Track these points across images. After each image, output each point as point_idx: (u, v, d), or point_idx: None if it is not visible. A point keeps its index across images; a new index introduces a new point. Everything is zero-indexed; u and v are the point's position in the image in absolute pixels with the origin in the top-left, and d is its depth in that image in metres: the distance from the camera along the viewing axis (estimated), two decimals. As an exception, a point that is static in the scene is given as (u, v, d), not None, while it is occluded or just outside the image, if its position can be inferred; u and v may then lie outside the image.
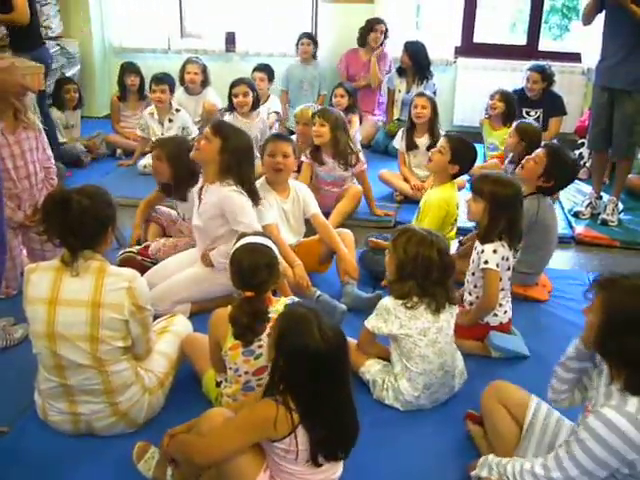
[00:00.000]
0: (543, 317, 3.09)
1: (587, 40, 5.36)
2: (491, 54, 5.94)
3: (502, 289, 2.69)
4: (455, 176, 3.37)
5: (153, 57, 6.25)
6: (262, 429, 1.71)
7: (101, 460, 2.11)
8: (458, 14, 5.93)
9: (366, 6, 5.78)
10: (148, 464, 2.03)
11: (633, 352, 1.64)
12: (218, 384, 2.26)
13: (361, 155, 4.03)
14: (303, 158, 3.97)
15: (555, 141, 4.53)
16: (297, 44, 5.75)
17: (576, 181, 4.10)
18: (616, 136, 4.07)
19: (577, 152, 5.05)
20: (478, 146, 3.82)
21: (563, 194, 4.40)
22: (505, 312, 2.75)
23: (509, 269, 2.69)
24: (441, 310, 2.30)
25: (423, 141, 4.36)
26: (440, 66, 5.83)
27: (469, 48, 6.06)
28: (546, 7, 6.04)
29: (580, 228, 4.09)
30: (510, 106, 4.68)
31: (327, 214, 3.64)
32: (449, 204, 3.30)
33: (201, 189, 2.95)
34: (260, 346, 2.10)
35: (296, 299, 2.32)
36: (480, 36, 6.10)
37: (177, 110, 4.87)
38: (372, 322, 2.36)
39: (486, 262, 2.60)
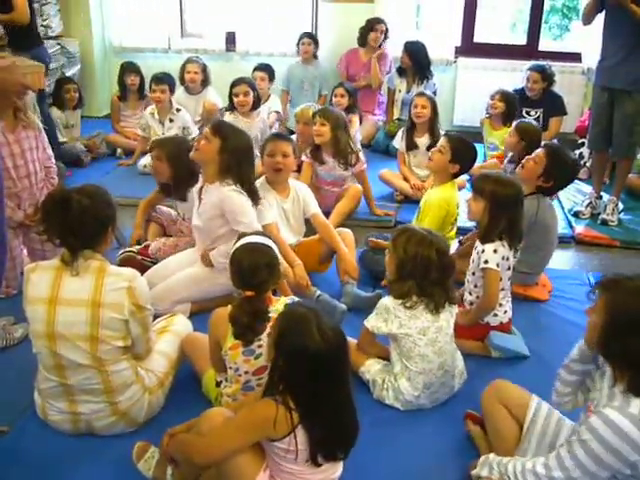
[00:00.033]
0: (543, 317, 3.09)
1: (587, 40, 5.36)
2: (491, 54, 5.94)
3: (502, 289, 2.69)
4: (455, 176, 3.37)
5: (153, 57, 6.25)
6: (262, 429, 1.71)
7: (101, 460, 2.11)
8: (458, 14, 5.92)
9: (366, 6, 5.78)
10: (148, 464, 2.03)
11: (636, 353, 1.64)
12: (218, 384, 2.26)
13: (361, 155, 4.03)
14: (303, 158, 3.97)
15: (555, 141, 4.54)
16: (298, 44, 5.75)
17: (576, 181, 4.10)
18: (616, 136, 4.07)
19: (577, 152, 5.05)
20: (478, 146, 3.82)
21: (563, 194, 4.40)
22: (505, 312, 2.75)
23: (509, 269, 2.69)
24: (440, 310, 2.30)
25: (423, 141, 4.36)
26: (440, 66, 5.83)
27: (469, 48, 6.05)
28: (546, 7, 6.04)
29: (580, 228, 4.09)
30: (510, 106, 4.68)
31: (327, 214, 3.64)
32: (449, 204, 3.30)
33: (201, 189, 2.95)
34: (260, 346, 2.10)
35: (296, 299, 2.32)
36: (480, 36, 6.10)
37: (178, 110, 4.87)
38: (372, 322, 2.36)
39: (486, 262, 2.60)
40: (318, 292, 2.98)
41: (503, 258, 2.62)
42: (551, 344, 2.81)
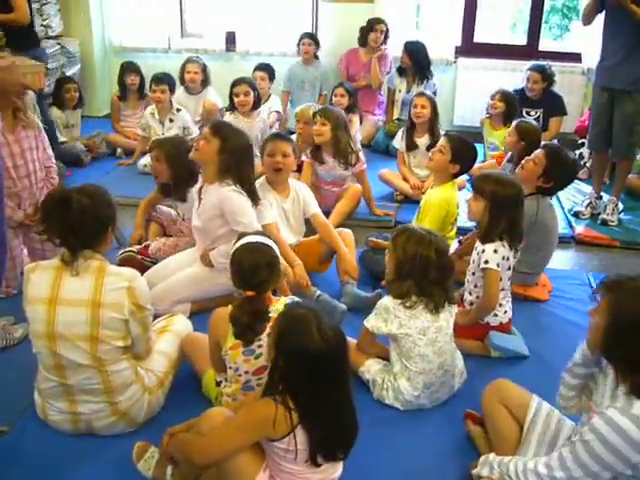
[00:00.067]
0: (543, 317, 3.09)
1: (587, 40, 5.36)
2: (491, 54, 5.94)
3: (502, 289, 2.69)
4: (455, 176, 3.37)
5: (153, 56, 6.25)
6: (261, 428, 1.71)
7: (101, 460, 2.11)
8: (458, 14, 5.91)
9: (366, 6, 5.78)
10: (148, 464, 2.03)
11: (639, 355, 1.64)
12: (218, 384, 2.26)
13: (361, 155, 4.03)
14: (304, 157, 3.97)
15: (555, 141, 4.54)
16: (298, 44, 5.75)
17: (576, 181, 4.10)
18: (616, 136, 4.07)
19: (577, 152, 5.05)
20: (478, 146, 3.82)
21: (563, 194, 4.40)
22: (505, 312, 2.75)
23: (509, 269, 2.69)
24: (440, 310, 2.31)
25: (423, 141, 4.36)
26: (440, 66, 5.83)
27: (469, 48, 6.05)
28: (546, 7, 6.04)
29: (580, 228, 4.09)
30: (511, 106, 4.69)
31: (327, 213, 3.64)
32: (449, 204, 3.30)
33: (200, 189, 2.95)
34: (260, 346, 2.10)
35: (296, 299, 2.32)
36: (480, 36, 6.10)
37: (178, 110, 4.87)
38: (371, 322, 2.36)
39: (486, 262, 2.60)
40: (318, 292, 2.98)
41: (503, 258, 2.62)
42: (551, 344, 2.82)
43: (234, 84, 4.66)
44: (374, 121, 5.70)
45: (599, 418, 1.64)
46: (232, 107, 4.71)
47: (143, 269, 2.89)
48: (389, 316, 2.30)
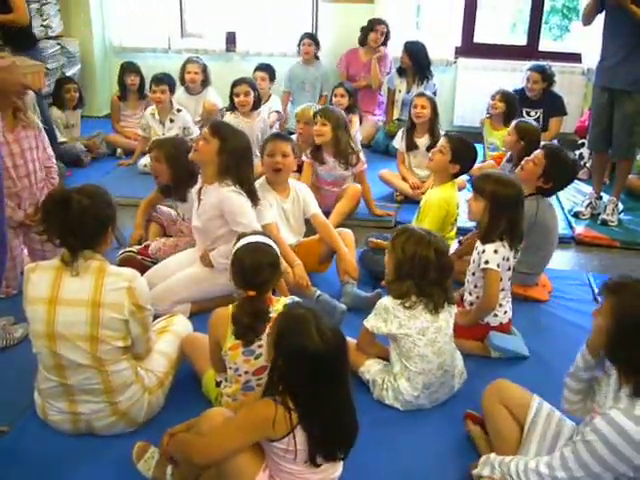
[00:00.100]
0: (543, 317, 3.09)
1: (587, 40, 5.36)
2: (491, 54, 5.94)
3: (502, 289, 2.69)
4: (455, 176, 3.37)
5: (153, 57, 6.25)
6: (261, 429, 1.71)
7: (101, 460, 2.11)
8: (458, 14, 5.92)
9: (366, 6, 5.78)
10: (148, 464, 2.03)
11: None
12: (218, 384, 2.26)
13: (361, 155, 4.03)
14: (304, 158, 3.97)
15: (555, 141, 4.54)
16: (299, 45, 5.75)
17: (576, 181, 4.11)
18: (616, 136, 4.07)
19: (577, 152, 5.05)
20: (478, 146, 3.82)
21: (563, 194, 4.40)
22: (505, 312, 2.75)
23: (509, 269, 2.69)
24: (439, 310, 2.31)
25: (423, 141, 4.36)
26: (440, 66, 5.83)
27: (469, 48, 6.05)
28: (546, 7, 6.04)
29: (580, 228, 4.09)
30: (511, 106, 4.69)
31: (327, 214, 3.64)
32: (449, 204, 3.30)
33: (200, 190, 2.95)
34: (260, 346, 2.10)
35: (296, 299, 2.32)
36: (480, 36, 6.10)
37: (178, 110, 4.86)
38: (371, 322, 2.36)
39: (487, 262, 2.60)
40: (318, 292, 2.98)
41: (503, 259, 2.62)
42: (551, 344, 2.82)
43: (234, 84, 4.66)
44: (374, 121, 5.70)
45: (601, 419, 1.64)
46: (232, 107, 4.71)
47: (143, 269, 2.89)
48: (389, 316, 2.30)
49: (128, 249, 3.27)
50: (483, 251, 2.62)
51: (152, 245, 3.29)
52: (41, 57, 4.73)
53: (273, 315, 2.05)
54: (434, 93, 5.02)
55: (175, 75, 5.18)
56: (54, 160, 3.25)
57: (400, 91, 5.49)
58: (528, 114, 4.94)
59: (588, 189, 4.53)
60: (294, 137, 4.09)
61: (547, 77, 4.90)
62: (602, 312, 1.72)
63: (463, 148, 3.31)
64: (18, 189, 3.00)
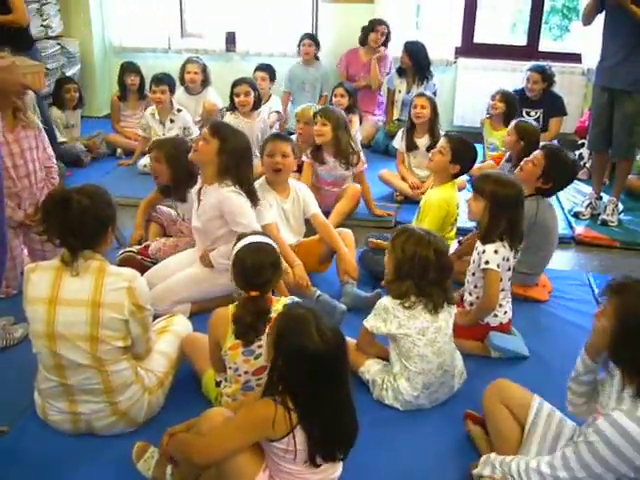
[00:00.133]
0: (543, 317, 3.09)
1: (587, 40, 5.36)
2: (491, 54, 5.94)
3: (502, 289, 2.69)
4: (455, 176, 3.37)
5: (153, 57, 6.26)
6: (261, 429, 1.70)
7: (101, 460, 2.11)
8: (458, 14, 5.92)
9: (366, 6, 5.78)
10: (147, 464, 2.03)
11: None
12: (218, 384, 2.26)
13: (361, 155, 4.03)
14: (304, 158, 3.97)
15: (555, 142, 4.54)
16: (299, 45, 5.75)
17: (576, 182, 4.11)
18: (616, 136, 4.07)
19: (577, 152, 5.05)
20: (478, 146, 3.82)
21: (563, 195, 4.41)
22: (505, 312, 2.75)
23: (510, 270, 2.69)
24: (439, 310, 2.31)
25: (423, 141, 4.36)
26: (440, 66, 5.83)
27: (469, 48, 6.05)
28: (546, 7, 6.04)
29: (580, 228, 4.09)
30: (511, 106, 4.69)
31: (327, 214, 3.64)
32: (449, 204, 3.30)
33: (199, 190, 2.95)
34: (260, 346, 2.10)
35: (296, 299, 2.32)
36: (480, 36, 6.10)
37: (179, 110, 4.86)
38: (371, 322, 2.36)
39: (487, 262, 2.60)
40: (318, 292, 2.98)
41: (504, 259, 2.62)
42: (551, 344, 2.82)
43: (235, 84, 4.66)
44: (374, 121, 5.70)
45: (604, 420, 1.64)
46: (232, 107, 4.71)
47: (143, 269, 2.89)
48: (388, 316, 2.30)
49: (128, 249, 3.27)
50: (483, 251, 2.62)
51: (152, 245, 3.29)
52: (38, 58, 4.72)
53: (273, 315, 2.05)
54: (434, 93, 5.02)
55: (175, 75, 5.18)
56: (54, 160, 3.25)
57: (400, 91, 5.49)
58: (528, 114, 4.94)
59: (588, 189, 4.53)
60: (294, 137, 4.09)
61: (547, 77, 4.90)
62: (605, 313, 1.71)
63: (463, 148, 3.31)
64: (18, 189, 3.00)
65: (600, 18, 3.98)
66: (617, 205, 4.23)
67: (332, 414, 1.72)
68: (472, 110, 5.68)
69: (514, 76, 5.42)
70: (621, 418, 1.61)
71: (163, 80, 4.81)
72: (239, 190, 2.83)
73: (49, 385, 2.10)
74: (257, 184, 3.09)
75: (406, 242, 2.29)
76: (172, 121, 4.83)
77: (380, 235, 3.49)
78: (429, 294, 2.28)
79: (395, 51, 5.65)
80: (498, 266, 2.60)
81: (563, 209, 4.37)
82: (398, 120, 5.45)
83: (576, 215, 4.28)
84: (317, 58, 5.81)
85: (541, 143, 3.49)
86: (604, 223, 4.15)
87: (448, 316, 2.36)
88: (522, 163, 3.16)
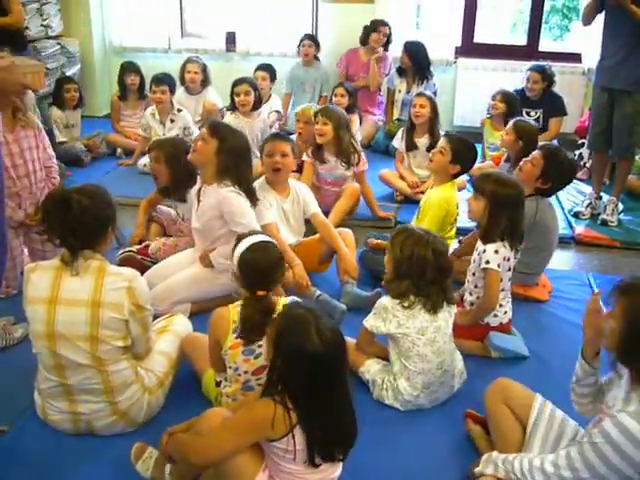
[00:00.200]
0: (543, 317, 3.09)
1: (587, 40, 5.37)
2: (491, 54, 5.94)
3: (502, 289, 2.69)
4: (455, 176, 3.37)
5: (153, 57, 6.26)
6: (260, 429, 1.70)
7: (101, 460, 2.10)
8: (458, 14, 5.92)
9: (366, 6, 5.78)
10: (146, 464, 2.03)
11: None
12: (218, 384, 2.26)
13: (363, 155, 4.03)
14: (305, 157, 3.97)
15: (555, 141, 4.54)
16: (299, 46, 5.75)
17: (576, 181, 4.11)
18: (616, 136, 4.07)
19: (577, 152, 5.05)
20: (477, 146, 3.82)
21: (563, 195, 4.41)
22: (505, 312, 2.75)
23: (510, 270, 2.69)
24: (438, 310, 2.30)
25: (423, 141, 4.36)
26: (440, 66, 5.84)
27: (469, 48, 6.06)
28: (546, 7, 6.04)
29: (580, 228, 4.09)
30: (512, 107, 4.69)
31: (327, 213, 3.64)
32: (449, 204, 3.30)
33: (199, 191, 2.95)
34: (260, 345, 2.10)
35: (296, 299, 2.32)
36: (480, 36, 6.11)
37: (179, 110, 4.86)
38: (370, 321, 2.36)
39: (487, 262, 2.60)
40: (318, 292, 2.98)
41: (504, 259, 2.62)
42: (551, 344, 2.82)
43: (235, 84, 4.66)
44: (374, 121, 5.70)
45: (610, 421, 1.63)
46: (233, 107, 4.71)
47: (143, 269, 2.89)
48: (388, 316, 2.30)
49: (128, 249, 3.27)
50: (484, 251, 2.62)
51: (152, 245, 3.29)
52: (34, 59, 4.74)
53: (273, 315, 2.05)
54: (434, 93, 5.01)
55: (175, 75, 5.18)
56: (55, 160, 3.25)
57: (400, 91, 5.49)
58: (528, 114, 4.94)
59: (588, 189, 4.53)
60: (293, 137, 4.09)
61: (547, 77, 4.90)
62: (614, 315, 1.70)
63: (463, 148, 3.30)
64: (18, 189, 3.00)
65: (600, 18, 3.98)
66: (617, 205, 4.23)
67: (332, 414, 1.72)
68: (472, 110, 5.68)
69: (514, 76, 5.43)
70: (627, 420, 1.60)
71: (163, 80, 4.81)
72: (238, 190, 2.83)
73: (49, 385, 2.10)
74: (257, 184, 3.09)
75: (405, 242, 2.29)
76: (172, 121, 4.83)
77: (380, 235, 3.49)
78: (428, 294, 2.28)
79: (395, 51, 5.65)
80: (499, 266, 2.60)
81: (563, 209, 4.37)
82: (398, 120, 5.45)
83: (576, 215, 4.28)
84: (317, 59, 5.81)
85: (540, 143, 3.49)
86: (604, 223, 4.15)
87: (448, 316, 2.36)
88: (521, 163, 3.16)
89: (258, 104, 4.74)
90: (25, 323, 2.31)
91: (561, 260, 3.72)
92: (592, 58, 4.71)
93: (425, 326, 2.28)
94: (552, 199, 3.32)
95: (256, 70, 5.38)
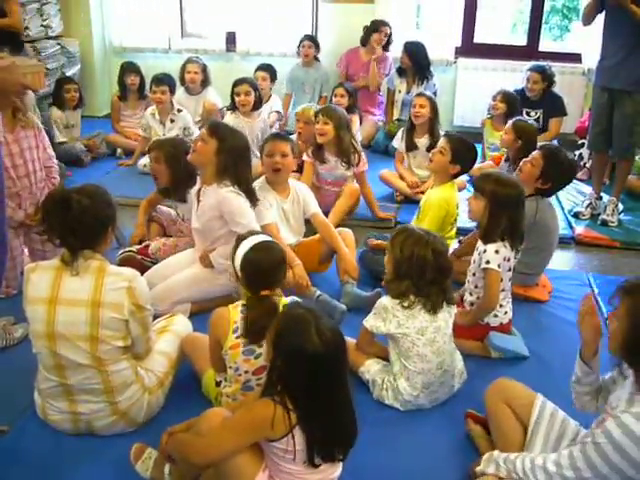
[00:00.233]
0: (543, 317, 3.09)
1: (587, 40, 5.37)
2: (491, 54, 5.95)
3: (502, 290, 2.69)
4: (455, 176, 3.37)
5: (153, 57, 6.26)
6: (260, 429, 1.70)
7: (101, 460, 2.10)
8: (458, 14, 5.93)
9: (366, 6, 5.79)
10: (145, 464, 2.03)
11: None
12: (218, 384, 2.26)
13: (363, 156, 4.03)
14: (305, 157, 3.97)
15: (555, 142, 4.54)
16: (299, 46, 5.75)
17: (576, 181, 4.11)
18: (616, 136, 4.07)
19: (577, 152, 5.05)
20: (477, 146, 3.82)
21: (563, 195, 4.41)
22: (505, 313, 2.75)
23: (510, 270, 2.69)
24: (438, 310, 2.30)
25: (423, 141, 4.36)
26: (440, 66, 5.84)
27: (469, 48, 6.06)
28: (546, 8, 6.05)
29: (580, 229, 4.09)
30: (512, 107, 4.69)
31: (327, 213, 3.64)
32: (449, 204, 3.30)
33: (199, 191, 2.95)
34: (260, 345, 2.10)
35: (296, 299, 2.32)
36: (480, 36, 6.11)
37: (179, 110, 4.86)
38: (370, 321, 2.36)
39: (488, 262, 2.60)
40: (318, 292, 2.98)
41: (504, 259, 2.62)
42: (551, 344, 2.82)
43: (235, 84, 4.66)
44: (374, 121, 5.70)
45: (613, 422, 1.63)
46: (233, 107, 4.71)
47: (143, 269, 2.89)
48: (387, 316, 2.30)
49: (128, 249, 3.27)
50: (484, 251, 2.62)
51: (152, 245, 3.29)
52: (34, 59, 4.75)
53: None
54: (434, 93, 5.02)
55: (175, 75, 5.18)
56: (55, 160, 3.25)
57: (400, 91, 5.49)
58: (528, 114, 4.94)
59: (588, 189, 4.53)
60: (293, 137, 4.09)
61: (547, 77, 4.90)
62: (618, 315, 1.69)
63: (463, 148, 3.30)
64: (18, 189, 3.00)
65: (600, 18, 3.98)
66: (617, 205, 4.23)
67: (331, 414, 1.72)
68: (472, 110, 5.69)
69: (514, 76, 5.43)
70: (630, 421, 1.60)
71: (163, 80, 4.81)
72: (238, 190, 2.83)
73: (49, 385, 2.10)
74: (257, 184, 3.09)
75: (404, 242, 2.29)
76: (172, 121, 4.83)
77: (380, 235, 3.49)
78: (428, 294, 2.28)
79: (395, 51, 5.65)
80: (499, 266, 2.60)
81: (563, 209, 4.37)
82: (398, 120, 5.45)
83: (576, 215, 4.28)
84: (317, 59, 5.81)
85: (540, 143, 3.49)
86: (604, 223, 4.15)
87: (448, 316, 2.36)
88: (521, 164, 3.16)
89: (258, 104, 4.74)
90: (25, 323, 2.31)
91: (561, 260, 3.72)
92: (592, 58, 4.71)
93: (425, 326, 2.28)
94: (552, 199, 3.32)
95: (256, 70, 5.39)
